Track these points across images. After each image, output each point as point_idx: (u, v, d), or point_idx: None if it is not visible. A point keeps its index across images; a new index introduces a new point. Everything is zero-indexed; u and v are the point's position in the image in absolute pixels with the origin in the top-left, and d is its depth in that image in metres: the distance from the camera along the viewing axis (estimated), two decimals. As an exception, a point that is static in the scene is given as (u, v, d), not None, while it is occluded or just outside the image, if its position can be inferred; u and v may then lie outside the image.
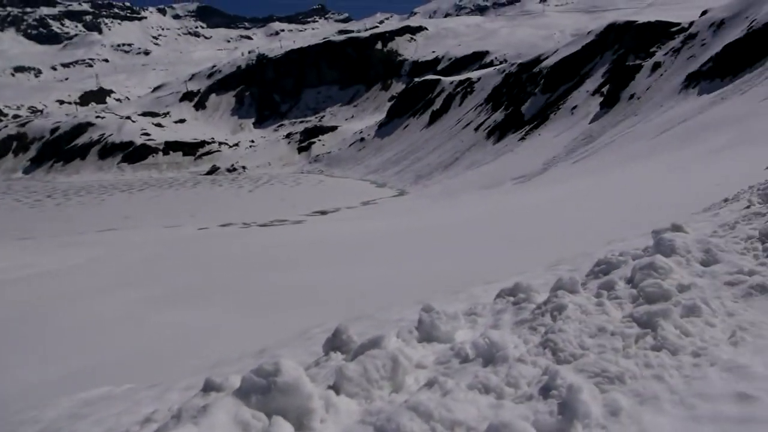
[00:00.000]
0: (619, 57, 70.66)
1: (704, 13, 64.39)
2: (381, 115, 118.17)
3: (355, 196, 65.71)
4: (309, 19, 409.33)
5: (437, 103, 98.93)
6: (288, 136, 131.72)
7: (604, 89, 65.20)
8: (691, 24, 64.64)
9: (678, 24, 68.81)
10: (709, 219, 7.89)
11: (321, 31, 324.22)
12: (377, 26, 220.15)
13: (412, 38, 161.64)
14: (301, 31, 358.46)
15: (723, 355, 3.61)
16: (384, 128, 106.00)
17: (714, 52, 54.25)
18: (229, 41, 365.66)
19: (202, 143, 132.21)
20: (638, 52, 68.02)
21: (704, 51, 56.74)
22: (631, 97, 59.52)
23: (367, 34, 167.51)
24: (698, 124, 41.32)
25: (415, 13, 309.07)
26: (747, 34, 52.81)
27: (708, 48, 56.61)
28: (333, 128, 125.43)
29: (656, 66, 61.47)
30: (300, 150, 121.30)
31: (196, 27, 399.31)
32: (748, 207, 7.44)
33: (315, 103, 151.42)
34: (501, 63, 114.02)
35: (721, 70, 51.78)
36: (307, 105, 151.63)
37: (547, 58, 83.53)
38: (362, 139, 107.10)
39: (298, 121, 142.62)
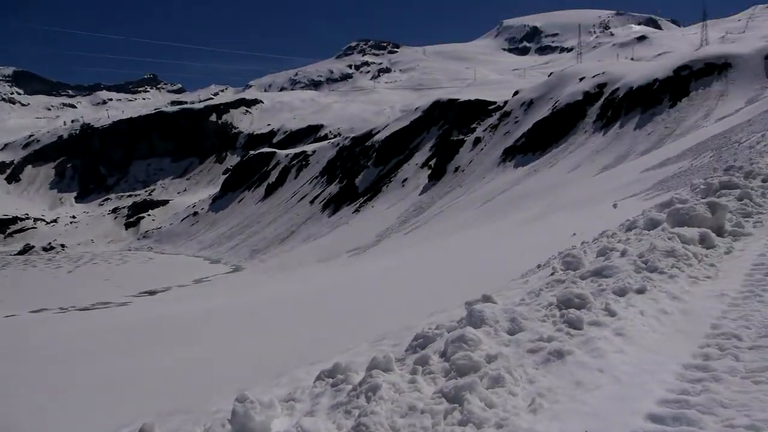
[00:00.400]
0: (445, 132, 75.47)
1: (516, 93, 71.26)
2: (215, 189, 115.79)
3: (187, 273, 62.99)
4: (140, 89, 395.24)
5: (273, 176, 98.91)
6: (114, 210, 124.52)
7: (432, 162, 69.00)
8: (505, 103, 71.02)
9: (494, 103, 75.27)
10: (521, 286, 8.34)
11: (153, 101, 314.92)
12: (212, 98, 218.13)
13: (247, 111, 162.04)
14: (131, 101, 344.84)
15: (523, 423, 3.72)
16: (218, 202, 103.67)
17: (526, 129, 59.84)
18: (49, 109, 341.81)
19: (14, 219, 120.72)
20: (461, 128, 73.15)
21: (518, 127, 62.38)
22: (456, 169, 63.48)
23: (201, 105, 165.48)
24: (516, 194, 44.83)
25: (251, 86, 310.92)
26: (553, 113, 59.00)
27: (521, 125, 62.34)
28: (164, 202, 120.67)
29: (477, 141, 66.41)
30: (128, 225, 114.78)
31: (12, 93, 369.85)
32: (552, 274, 7.89)
33: (145, 176, 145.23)
34: (335, 136, 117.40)
35: (532, 145, 57.08)
36: (137, 178, 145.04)
37: (378, 132, 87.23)
38: (195, 213, 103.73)
39: (126, 195, 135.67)
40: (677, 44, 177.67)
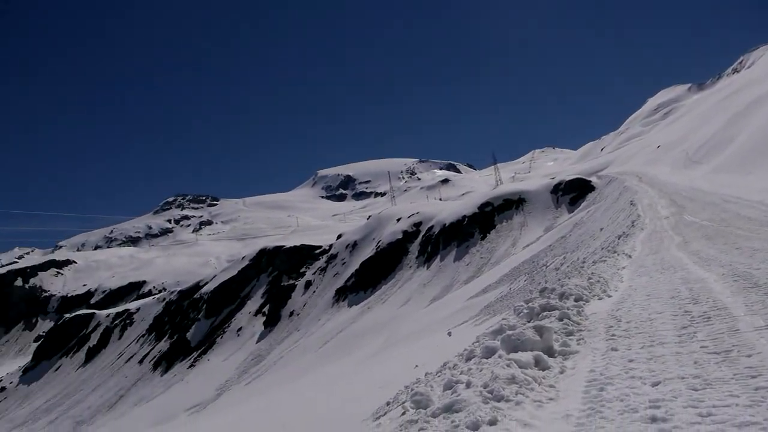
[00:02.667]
0: (274, 278, 75.20)
1: (339, 236, 73.59)
2: (26, 359, 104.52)
3: (-8, 461, 54.46)
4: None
5: (94, 339, 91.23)
6: None
7: (266, 309, 67.93)
8: (330, 246, 72.92)
9: (320, 247, 77.01)
10: (374, 430, 8.17)
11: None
12: (16, 261, 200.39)
13: (58, 272, 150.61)
14: None
15: None
16: (31, 373, 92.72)
17: (354, 269, 61.43)
18: None
19: None
20: (291, 273, 73.45)
21: (346, 268, 63.89)
22: (291, 314, 62.92)
23: (3, 270, 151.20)
24: (354, 332, 45.16)
25: (61, 247, 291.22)
26: (377, 252, 61.38)
27: (348, 265, 63.96)
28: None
29: (308, 284, 66.81)
30: None
31: None
32: (403, 414, 7.78)
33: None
34: (160, 291, 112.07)
35: (362, 284, 58.49)
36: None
37: (206, 283, 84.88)
38: (3, 389, 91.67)
39: None
40: (476, 185, 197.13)
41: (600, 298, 10.20)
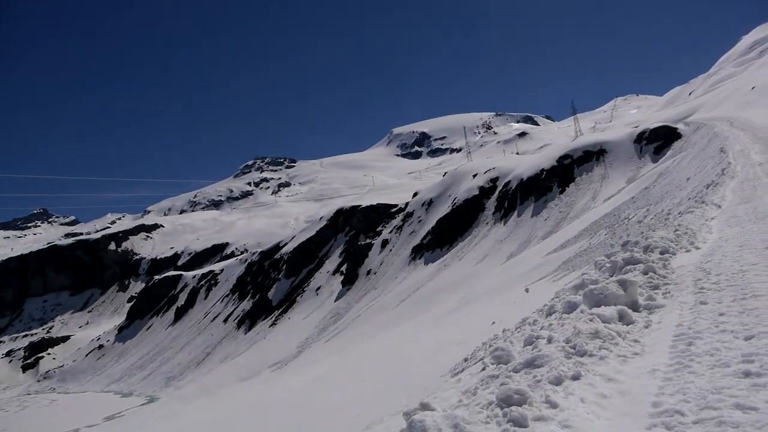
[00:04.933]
0: (351, 238, 76.17)
1: (415, 194, 73.49)
2: (121, 318, 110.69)
3: (96, 411, 58.74)
4: (29, 225, 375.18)
5: (181, 299, 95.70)
6: (9, 353, 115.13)
7: (343, 268, 69.07)
8: (406, 204, 72.99)
9: (396, 205, 77.22)
10: (454, 386, 8.21)
11: (45, 235, 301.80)
12: (109, 227, 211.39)
13: (148, 236, 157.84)
14: (20, 237, 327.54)
15: None
16: (125, 331, 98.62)
17: (430, 227, 61.37)
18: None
19: None
20: (367, 232, 74.19)
21: (422, 226, 63.91)
22: (368, 272, 63.77)
23: (98, 235, 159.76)
24: (430, 289, 45.37)
25: (149, 212, 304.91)
26: (453, 209, 61.02)
27: (424, 223, 63.95)
28: (65, 338, 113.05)
29: (385, 243, 67.36)
30: (25, 368, 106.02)
31: None
32: (483, 369, 7.77)
33: (41, 313, 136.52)
34: (242, 253, 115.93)
35: (439, 241, 58.44)
36: (32, 316, 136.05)
37: (286, 244, 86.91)
38: (101, 347, 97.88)
39: (20, 336, 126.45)
40: (555, 137, 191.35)
41: (687, 251, 9.78)
